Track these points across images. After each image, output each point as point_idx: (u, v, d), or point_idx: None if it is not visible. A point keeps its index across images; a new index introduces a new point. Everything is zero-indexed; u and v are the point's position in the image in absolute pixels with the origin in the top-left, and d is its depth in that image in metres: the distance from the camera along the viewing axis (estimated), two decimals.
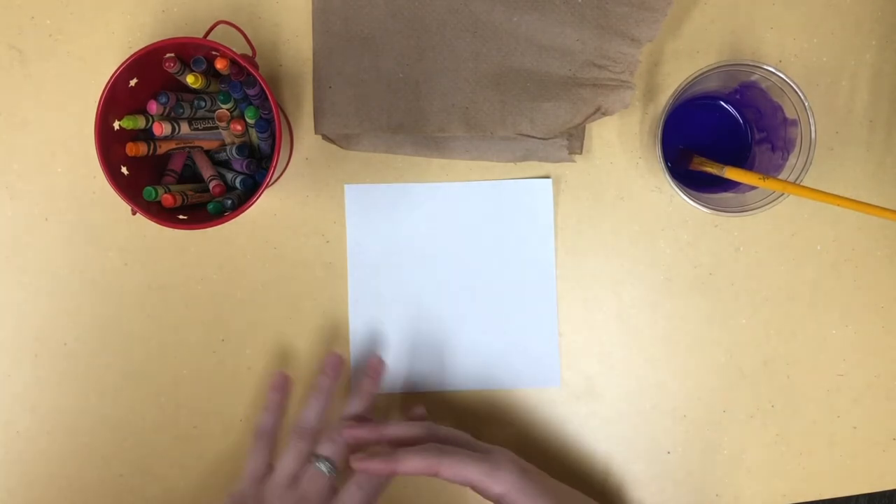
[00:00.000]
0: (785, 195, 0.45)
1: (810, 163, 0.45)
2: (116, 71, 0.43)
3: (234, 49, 0.44)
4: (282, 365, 0.52)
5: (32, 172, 0.52)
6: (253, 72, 0.44)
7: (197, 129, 0.48)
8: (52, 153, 0.52)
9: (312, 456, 0.45)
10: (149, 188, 0.45)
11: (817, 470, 0.52)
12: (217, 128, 0.48)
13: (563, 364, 0.52)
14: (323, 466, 0.44)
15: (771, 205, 0.45)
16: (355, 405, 0.48)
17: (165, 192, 0.45)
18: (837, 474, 0.52)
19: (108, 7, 0.51)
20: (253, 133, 0.48)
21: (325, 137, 0.51)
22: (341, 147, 0.51)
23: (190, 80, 0.45)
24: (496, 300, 0.52)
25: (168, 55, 0.44)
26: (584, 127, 0.51)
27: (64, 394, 0.52)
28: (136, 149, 0.45)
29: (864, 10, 0.51)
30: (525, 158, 0.51)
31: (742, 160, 0.51)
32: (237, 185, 0.48)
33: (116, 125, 0.45)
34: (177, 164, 0.49)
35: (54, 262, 0.52)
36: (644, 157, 0.52)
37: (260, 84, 0.44)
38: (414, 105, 0.50)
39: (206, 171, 0.48)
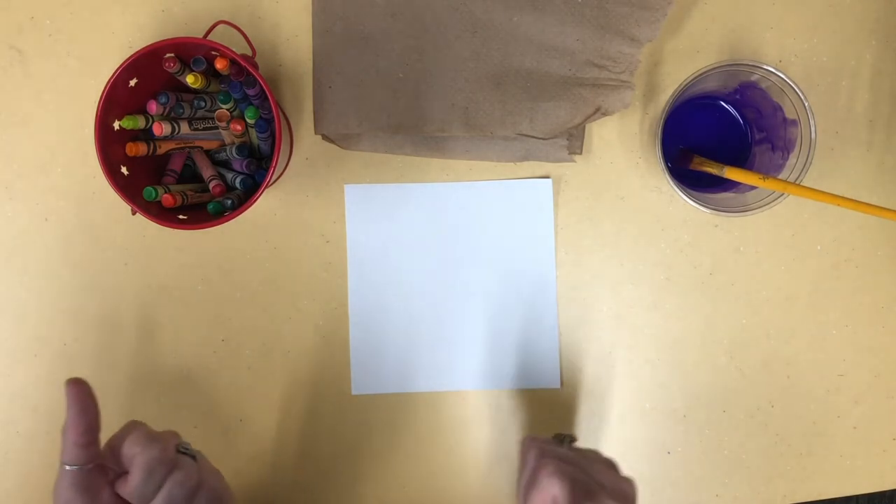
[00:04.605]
0: (785, 195, 0.45)
1: (810, 163, 0.45)
2: (116, 71, 0.43)
3: (234, 49, 0.44)
4: (281, 364, 0.52)
5: (32, 172, 0.52)
6: (253, 72, 0.44)
7: (197, 129, 0.48)
8: (52, 153, 0.52)
9: None
10: (149, 188, 0.45)
11: (817, 470, 0.52)
12: (217, 128, 0.48)
13: (563, 364, 0.52)
14: None
15: (771, 205, 0.45)
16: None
17: (165, 192, 0.45)
18: (837, 474, 0.52)
19: (108, 7, 0.51)
20: (253, 133, 0.48)
21: (325, 137, 0.51)
22: (341, 147, 0.51)
23: (190, 80, 0.45)
24: (496, 300, 0.52)
25: (168, 55, 0.44)
26: (584, 127, 0.51)
27: (64, 394, 0.51)
28: (136, 149, 0.45)
29: (864, 10, 0.51)
30: (525, 158, 0.51)
31: (742, 160, 0.51)
32: (237, 185, 0.48)
33: (116, 125, 0.45)
34: (177, 164, 0.49)
35: (54, 262, 0.52)
36: (644, 157, 0.52)
37: (260, 84, 0.44)
38: (414, 105, 0.50)
39: (206, 171, 0.48)
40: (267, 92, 0.44)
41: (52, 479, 0.51)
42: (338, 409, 0.52)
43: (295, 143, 0.52)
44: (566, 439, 0.45)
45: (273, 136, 0.48)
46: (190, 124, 0.47)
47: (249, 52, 0.49)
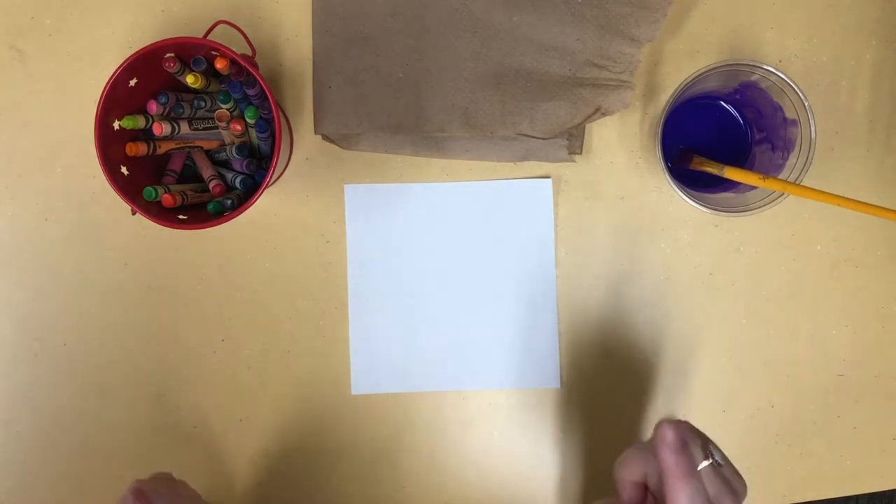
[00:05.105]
0: (785, 195, 0.45)
1: (810, 163, 0.45)
2: (116, 71, 0.43)
3: (234, 49, 0.44)
4: (281, 364, 0.52)
5: (32, 172, 0.52)
6: (253, 72, 0.44)
7: (197, 129, 0.48)
8: (52, 153, 0.51)
9: None
10: (149, 188, 0.45)
11: (817, 470, 0.52)
12: (217, 128, 0.48)
13: (563, 364, 0.52)
14: None
15: (771, 205, 0.45)
16: None
17: (165, 192, 0.45)
18: (837, 474, 0.52)
19: (108, 7, 0.51)
20: (253, 133, 0.48)
21: (325, 137, 0.51)
22: (341, 147, 0.51)
23: (190, 80, 0.45)
24: (496, 300, 0.52)
25: (168, 55, 0.44)
26: (584, 127, 0.51)
27: (64, 394, 0.52)
28: (136, 149, 0.45)
29: (864, 10, 0.51)
30: (525, 158, 0.51)
31: (742, 160, 0.51)
32: (237, 185, 0.48)
33: (116, 125, 0.45)
34: (177, 164, 0.49)
35: (54, 262, 0.52)
36: (644, 157, 0.52)
37: (260, 84, 0.44)
38: (414, 105, 0.50)
39: (206, 171, 0.48)
40: (267, 92, 0.44)
41: (52, 479, 0.51)
42: (338, 409, 0.52)
43: (295, 143, 0.52)
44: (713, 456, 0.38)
45: (273, 136, 0.48)
46: (190, 124, 0.47)
47: (249, 52, 0.49)
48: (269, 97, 0.44)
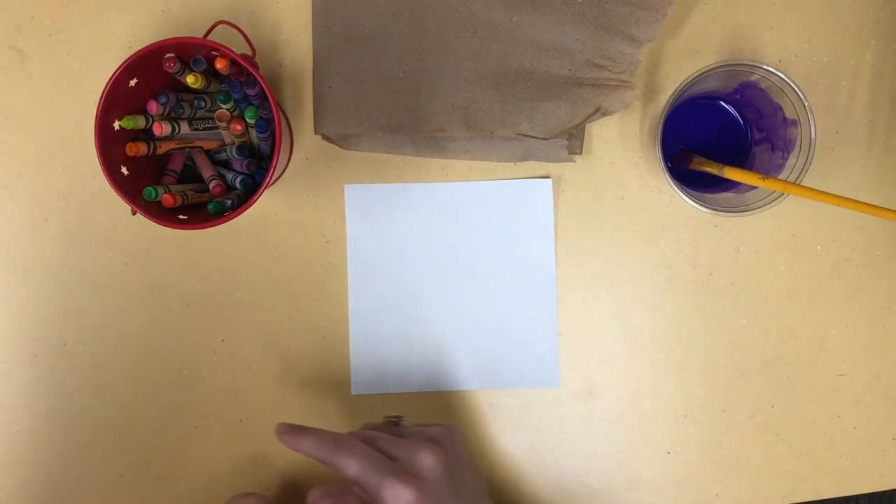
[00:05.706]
0: (785, 195, 0.45)
1: (810, 163, 0.45)
2: (116, 71, 0.43)
3: (234, 49, 0.44)
4: (281, 364, 0.52)
5: (32, 172, 0.52)
6: (253, 72, 0.44)
7: (197, 129, 0.48)
8: (52, 153, 0.52)
9: None
10: (149, 188, 0.45)
11: (817, 470, 0.52)
12: (217, 128, 0.48)
13: (563, 364, 0.52)
14: None
15: (771, 205, 0.45)
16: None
17: (165, 192, 0.45)
18: (837, 474, 0.52)
19: (108, 7, 0.51)
20: (253, 133, 0.48)
21: (325, 137, 0.51)
22: (341, 147, 0.51)
23: (190, 80, 0.45)
24: (496, 300, 0.52)
25: (168, 55, 0.44)
26: (584, 127, 0.51)
27: (64, 394, 0.52)
28: (136, 149, 0.45)
29: (864, 10, 0.51)
30: (525, 158, 0.51)
31: (742, 160, 0.51)
32: (237, 185, 0.48)
33: (116, 125, 0.45)
34: (177, 164, 0.49)
35: (54, 262, 0.52)
36: (644, 157, 0.52)
37: (260, 84, 0.44)
38: (414, 105, 0.50)
39: (206, 171, 0.48)
40: (267, 92, 0.44)
41: (52, 479, 0.51)
42: (338, 409, 0.52)
43: (295, 143, 0.52)
44: (393, 420, 0.47)
45: (273, 136, 0.48)
46: (190, 124, 0.47)
47: (249, 52, 0.49)
48: (269, 97, 0.44)
